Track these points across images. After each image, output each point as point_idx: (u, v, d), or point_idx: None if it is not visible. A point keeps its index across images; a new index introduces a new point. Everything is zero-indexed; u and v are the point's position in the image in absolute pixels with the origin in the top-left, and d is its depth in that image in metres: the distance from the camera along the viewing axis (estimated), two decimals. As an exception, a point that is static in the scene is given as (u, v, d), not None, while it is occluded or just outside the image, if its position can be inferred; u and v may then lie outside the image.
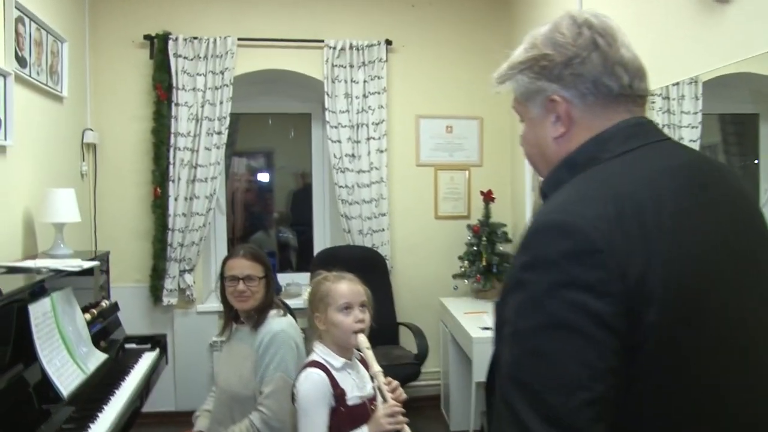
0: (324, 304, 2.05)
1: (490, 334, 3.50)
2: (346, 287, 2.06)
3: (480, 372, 3.43)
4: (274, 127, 5.38)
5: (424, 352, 3.94)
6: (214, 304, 4.51)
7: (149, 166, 4.29)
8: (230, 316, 2.65)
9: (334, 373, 2.01)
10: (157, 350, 3.36)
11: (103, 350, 2.89)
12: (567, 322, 0.86)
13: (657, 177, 0.99)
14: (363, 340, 2.01)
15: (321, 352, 2.06)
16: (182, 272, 4.37)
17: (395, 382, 2.02)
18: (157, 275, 4.32)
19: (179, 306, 4.43)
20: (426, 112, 4.72)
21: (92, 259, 3.02)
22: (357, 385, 2.04)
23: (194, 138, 4.29)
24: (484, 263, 4.32)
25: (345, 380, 2.02)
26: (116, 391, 2.63)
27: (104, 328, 3.08)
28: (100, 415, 2.37)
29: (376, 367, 1.95)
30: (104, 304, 3.16)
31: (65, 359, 2.43)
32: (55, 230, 3.19)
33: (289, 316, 2.60)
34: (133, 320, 4.22)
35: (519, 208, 4.58)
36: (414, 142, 4.71)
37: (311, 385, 1.98)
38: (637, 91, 1.08)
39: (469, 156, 4.80)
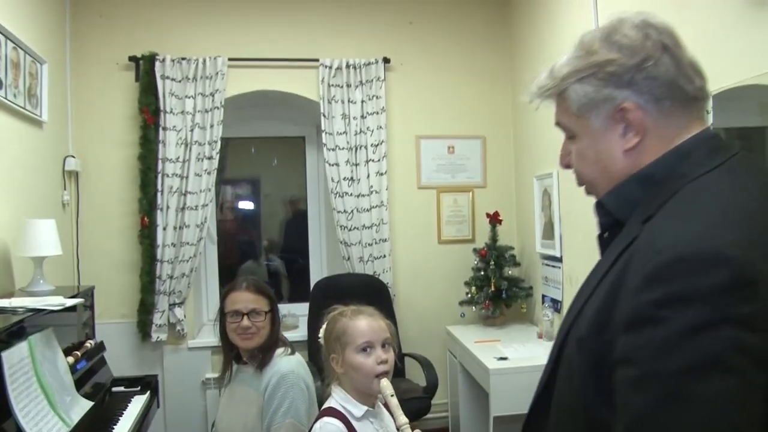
0: (341, 344, 1.80)
1: (507, 365, 3.29)
2: (366, 324, 1.80)
3: (500, 405, 3.18)
4: (262, 154, 5.12)
5: (434, 384, 3.69)
6: (207, 339, 4.25)
7: (136, 195, 4.04)
8: (231, 355, 2.39)
9: (354, 423, 1.76)
10: (148, 393, 3.09)
11: (88, 395, 2.62)
12: (720, 362, 0.75)
13: None
14: (386, 385, 1.74)
15: (339, 398, 1.81)
16: (172, 306, 4.10)
17: None
18: (145, 310, 4.04)
19: (169, 342, 4.15)
20: (427, 133, 4.51)
21: (75, 296, 2.76)
22: None
23: (183, 164, 4.05)
24: (492, 288, 4.09)
25: (366, 431, 1.78)
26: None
27: (89, 371, 2.81)
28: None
29: (403, 419, 1.68)
30: (89, 344, 2.89)
31: (45, 411, 2.15)
32: (33, 265, 2.93)
33: (297, 354, 2.34)
34: (121, 359, 3.96)
35: (526, 230, 4.37)
36: (415, 164, 4.50)
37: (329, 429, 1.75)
38: (705, 94, 1.03)
39: (473, 177, 4.59)
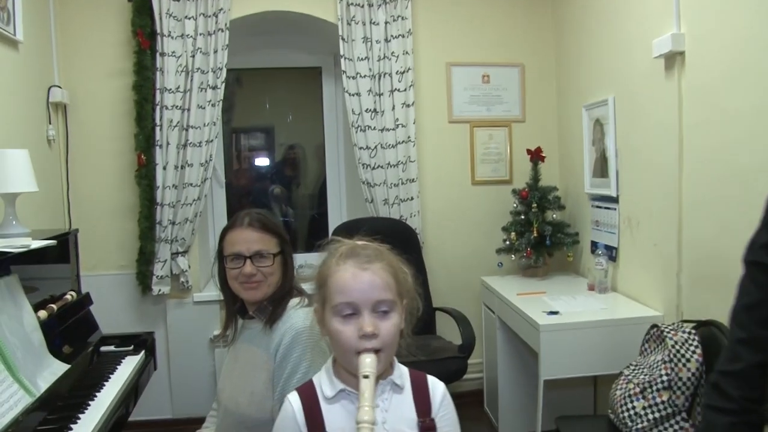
0: (321, 296, 1.28)
1: (559, 320, 2.82)
2: (351, 277, 1.23)
3: (551, 367, 2.73)
4: (273, 93, 4.60)
5: (471, 342, 3.24)
6: (215, 292, 3.81)
7: (131, 130, 3.56)
8: (234, 309, 1.94)
9: (322, 404, 1.27)
10: (142, 353, 2.66)
11: (67, 357, 2.20)
12: None
13: None
14: (367, 363, 1.18)
15: (323, 370, 1.34)
16: (175, 255, 3.67)
17: None
18: (145, 260, 3.61)
19: (172, 295, 3.73)
20: (458, 59, 3.98)
21: (52, 238, 2.31)
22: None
23: (184, 94, 3.56)
24: (535, 234, 3.60)
25: (336, 418, 1.25)
26: (80, 416, 1.93)
27: (69, 328, 2.38)
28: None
29: (365, 415, 1.11)
30: (70, 296, 2.45)
31: (2, 377, 1.72)
32: (4, 203, 2.47)
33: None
34: (118, 315, 3.58)
35: (572, 168, 3.85)
36: (445, 95, 3.97)
37: (278, 421, 1.31)
38: None
39: (510, 110, 4.06)
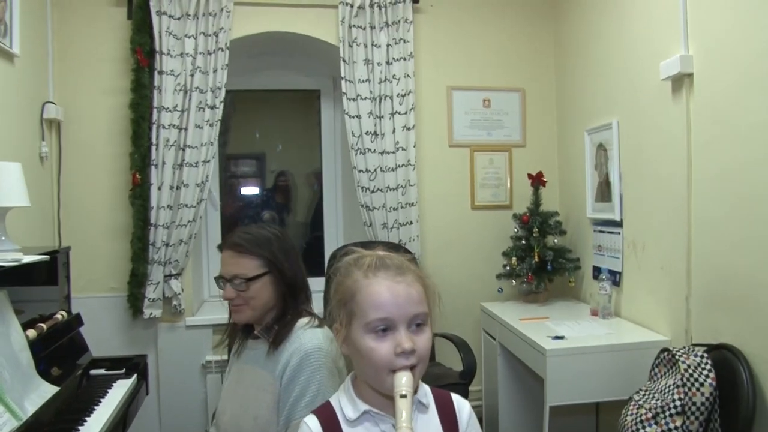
0: (347, 313, 1.18)
1: (565, 344, 2.75)
2: (387, 290, 1.15)
3: (558, 393, 2.64)
4: (269, 118, 4.56)
5: (472, 368, 3.15)
6: (207, 316, 3.73)
7: (126, 149, 3.48)
8: (238, 326, 1.86)
9: (344, 427, 1.19)
10: (135, 376, 2.56)
11: (56, 380, 2.10)
12: None
13: None
14: (403, 382, 1.10)
15: (342, 389, 1.25)
16: (168, 277, 3.57)
17: None
18: (137, 282, 3.51)
19: (164, 319, 3.63)
20: (459, 83, 3.95)
21: (44, 254, 2.22)
22: None
23: (182, 113, 3.51)
24: (536, 259, 3.54)
25: None
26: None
27: (59, 349, 2.28)
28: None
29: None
30: (60, 316, 2.36)
31: (-14, 398, 1.63)
32: (-6, 218, 2.38)
33: (326, 328, 1.77)
34: (108, 339, 3.48)
35: (573, 193, 3.81)
36: (446, 119, 3.94)
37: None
38: None
39: (511, 135, 4.03)
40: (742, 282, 2.27)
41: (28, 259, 1.96)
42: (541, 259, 3.55)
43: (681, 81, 2.62)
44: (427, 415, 1.21)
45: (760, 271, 2.17)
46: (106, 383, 2.44)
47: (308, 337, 1.70)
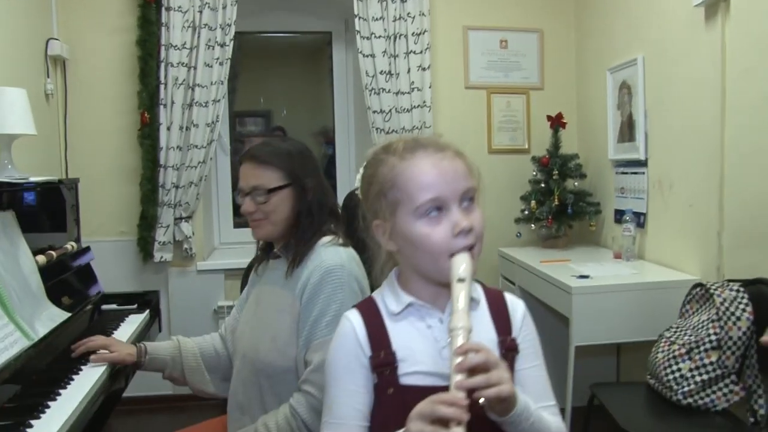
0: (388, 203, 1.06)
1: (592, 283, 2.66)
2: (431, 167, 1.04)
3: (583, 333, 2.56)
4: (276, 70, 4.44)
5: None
6: (219, 261, 3.66)
7: (134, 88, 3.38)
8: (262, 245, 1.78)
9: (387, 322, 1.09)
10: (147, 312, 2.49)
11: (67, 308, 2.02)
12: None
13: None
14: (460, 264, 1.01)
15: (385, 284, 1.15)
16: (178, 220, 3.49)
17: (476, 355, 0.92)
18: (147, 224, 3.43)
19: (175, 263, 3.56)
20: (476, 23, 3.81)
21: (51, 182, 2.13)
22: (432, 351, 1.06)
23: (191, 51, 3.39)
24: (556, 202, 3.44)
25: (403, 335, 1.08)
26: (82, 368, 1.75)
27: (68, 280, 2.20)
28: (52, 403, 1.49)
29: (459, 319, 0.96)
30: (70, 246, 2.28)
31: (-5, 315, 1.55)
32: (-1, 146, 2.29)
33: (351, 248, 1.67)
34: (118, 283, 3.35)
35: (593, 136, 3.69)
36: (462, 59, 3.81)
37: (335, 340, 1.12)
38: None
39: (528, 77, 3.90)
40: (781, 214, 2.18)
41: (37, 178, 1.87)
42: (561, 203, 3.45)
43: (716, 6, 2.49)
44: (477, 311, 1.10)
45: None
46: (118, 317, 2.37)
47: (330, 254, 1.60)
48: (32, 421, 1.36)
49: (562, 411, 2.46)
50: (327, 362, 1.11)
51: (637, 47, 3.13)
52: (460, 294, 0.98)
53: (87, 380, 1.63)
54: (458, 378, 0.90)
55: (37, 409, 1.42)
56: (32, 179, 1.89)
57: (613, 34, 3.41)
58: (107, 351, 1.77)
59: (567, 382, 2.62)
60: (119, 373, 1.81)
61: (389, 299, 1.11)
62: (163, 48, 3.36)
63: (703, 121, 2.58)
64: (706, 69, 2.56)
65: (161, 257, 3.46)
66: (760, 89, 2.27)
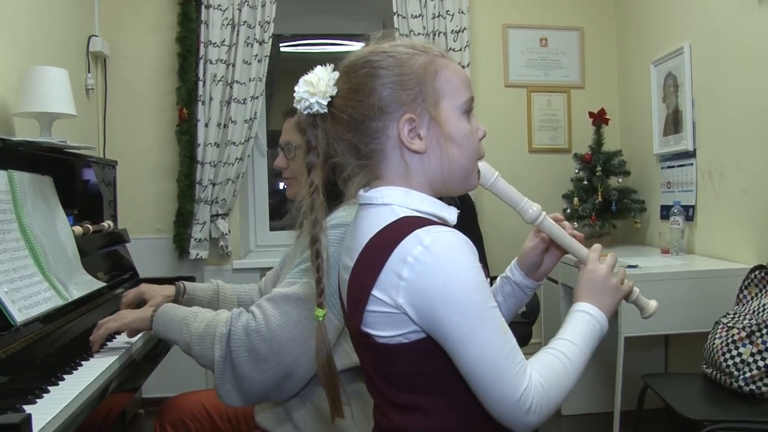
0: (432, 95, 0.97)
1: (641, 272, 2.55)
2: (465, 72, 1.07)
3: (631, 323, 2.44)
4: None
5: (536, 308, 3.00)
6: (256, 260, 3.62)
7: (173, 85, 3.39)
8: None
9: None
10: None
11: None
12: None
13: None
14: (492, 170, 1.09)
15: (412, 200, 0.98)
16: (214, 217, 3.47)
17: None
18: (183, 221, 3.42)
19: (210, 261, 3.53)
20: (516, 21, 3.77)
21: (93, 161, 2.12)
22: None
23: (230, 48, 3.40)
24: (600, 199, 3.34)
25: None
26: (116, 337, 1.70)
27: (104, 257, 2.18)
28: (79, 368, 1.44)
29: (532, 204, 1.15)
30: (107, 224, 2.25)
31: (28, 269, 1.52)
32: (39, 126, 2.28)
33: None
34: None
35: (636, 132, 3.60)
36: (501, 58, 3.76)
37: (459, 245, 0.92)
38: None
39: (569, 75, 3.83)
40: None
41: (75, 148, 1.85)
42: (605, 200, 3.35)
43: (768, -18, 2.41)
44: None
45: None
46: (153, 300, 2.32)
47: (342, 212, 1.46)
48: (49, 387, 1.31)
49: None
50: (464, 280, 0.90)
51: (683, 36, 3.05)
52: (509, 188, 1.13)
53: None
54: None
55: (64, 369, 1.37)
56: (73, 148, 1.87)
57: (655, 26, 3.34)
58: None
59: (616, 375, 2.50)
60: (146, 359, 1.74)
61: (444, 212, 1.01)
62: (202, 45, 3.37)
63: (757, 102, 2.48)
64: (760, 48, 2.46)
65: (197, 254, 3.43)
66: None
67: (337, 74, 1.01)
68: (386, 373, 0.97)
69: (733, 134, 2.68)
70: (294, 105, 1.02)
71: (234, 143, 3.41)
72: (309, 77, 1.01)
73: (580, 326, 1.03)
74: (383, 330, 0.93)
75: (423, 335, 0.91)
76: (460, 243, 0.92)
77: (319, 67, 1.03)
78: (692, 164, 2.98)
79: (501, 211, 3.63)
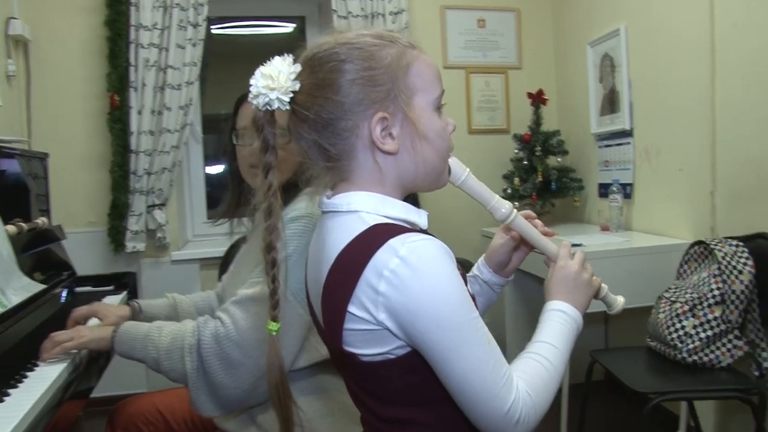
0: (399, 91, 0.92)
1: (583, 249, 2.60)
2: (434, 63, 1.00)
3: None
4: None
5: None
6: (195, 250, 3.52)
7: (103, 71, 3.25)
8: (241, 202, 1.66)
9: None
10: (125, 293, 2.35)
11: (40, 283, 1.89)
12: None
13: None
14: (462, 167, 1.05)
15: (386, 206, 0.94)
16: (151, 208, 3.35)
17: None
18: (118, 213, 3.29)
19: (148, 254, 3.42)
20: (453, 2, 3.75)
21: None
22: None
23: (162, 32, 3.26)
24: (540, 179, 3.38)
25: None
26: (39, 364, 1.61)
27: (39, 256, 2.07)
28: (25, 380, 1.35)
29: (504, 203, 1.12)
30: (41, 221, 2.14)
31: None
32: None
33: None
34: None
35: (574, 112, 3.66)
36: (440, 39, 3.74)
37: (442, 263, 0.87)
38: None
39: (506, 56, 3.85)
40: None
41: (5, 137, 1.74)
42: (545, 179, 3.40)
43: (701, -36, 2.46)
44: None
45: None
46: (93, 299, 2.21)
47: (305, 203, 1.43)
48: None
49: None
50: (446, 293, 0.85)
51: (619, 17, 3.10)
52: (480, 185, 1.08)
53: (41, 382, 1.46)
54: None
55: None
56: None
57: (592, 7, 3.39)
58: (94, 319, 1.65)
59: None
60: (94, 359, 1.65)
61: (415, 217, 0.97)
62: (132, 28, 3.22)
63: (692, 83, 2.55)
64: (693, 30, 2.53)
65: (134, 247, 3.31)
66: (750, 44, 2.24)
67: (298, 67, 0.94)
68: (375, 391, 0.92)
69: (669, 113, 2.75)
70: (250, 100, 0.96)
71: (169, 131, 3.28)
72: (267, 70, 0.93)
73: (558, 326, 1.01)
74: (367, 348, 0.88)
75: (409, 349, 0.88)
76: (437, 251, 0.87)
77: (277, 57, 0.95)
78: (629, 143, 3.05)
79: (440, 194, 3.65)
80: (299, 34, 4.10)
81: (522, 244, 1.17)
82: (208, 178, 3.86)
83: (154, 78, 3.25)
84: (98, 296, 2.27)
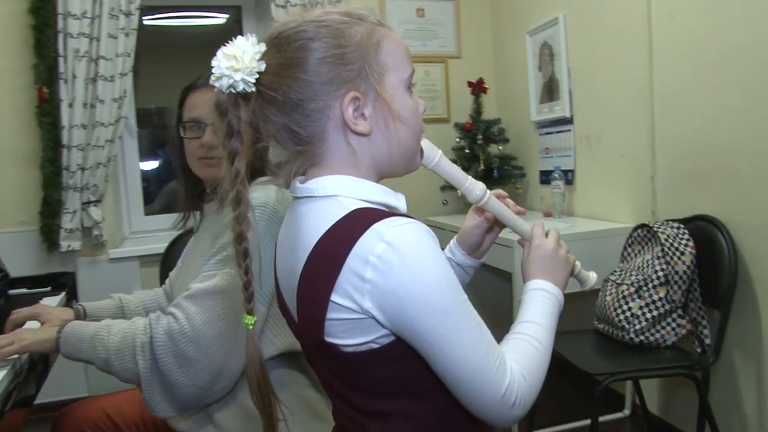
0: (377, 67, 0.89)
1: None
2: (404, 41, 0.97)
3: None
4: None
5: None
6: (133, 247, 3.41)
7: (29, 62, 3.10)
8: (194, 194, 1.60)
9: None
10: (63, 294, 2.25)
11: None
12: None
13: None
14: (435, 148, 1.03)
15: (363, 189, 0.91)
16: (86, 205, 3.22)
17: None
18: (51, 211, 3.15)
19: (84, 253, 3.29)
20: (392, -9, 3.74)
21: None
22: None
23: (92, 21, 3.12)
24: (482, 167, 3.41)
25: None
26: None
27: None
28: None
29: (478, 184, 1.12)
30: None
31: None
32: None
33: (287, 192, 1.53)
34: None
35: (514, 100, 3.71)
36: (379, 28, 3.72)
37: (422, 236, 0.83)
38: None
39: (446, 45, 3.87)
40: (714, 152, 2.21)
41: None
42: (487, 167, 3.43)
43: (637, -46, 2.52)
44: None
45: (731, 138, 2.12)
46: (29, 302, 2.10)
47: (258, 192, 1.39)
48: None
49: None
50: (436, 278, 0.82)
51: (557, 6, 3.15)
52: (453, 167, 1.07)
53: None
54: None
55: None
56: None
57: (530, -5, 3.43)
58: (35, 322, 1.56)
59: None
60: (33, 365, 1.57)
61: (394, 200, 0.94)
62: (60, 17, 3.08)
63: (631, 71, 2.61)
64: (631, 19, 2.59)
65: (69, 246, 3.17)
66: (685, 34, 2.31)
67: (263, 46, 0.89)
68: (358, 383, 0.89)
69: (608, 101, 2.81)
70: (212, 82, 0.91)
71: (103, 124, 3.16)
72: (230, 50, 0.88)
73: (542, 305, 1.01)
74: (350, 338, 0.85)
75: (393, 338, 0.85)
76: (423, 235, 0.84)
77: (240, 37, 0.90)
78: (570, 130, 3.11)
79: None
80: (234, 25, 4.01)
81: (495, 224, 1.14)
82: (144, 173, 3.75)
83: (86, 69, 3.11)
84: (35, 298, 2.17)
